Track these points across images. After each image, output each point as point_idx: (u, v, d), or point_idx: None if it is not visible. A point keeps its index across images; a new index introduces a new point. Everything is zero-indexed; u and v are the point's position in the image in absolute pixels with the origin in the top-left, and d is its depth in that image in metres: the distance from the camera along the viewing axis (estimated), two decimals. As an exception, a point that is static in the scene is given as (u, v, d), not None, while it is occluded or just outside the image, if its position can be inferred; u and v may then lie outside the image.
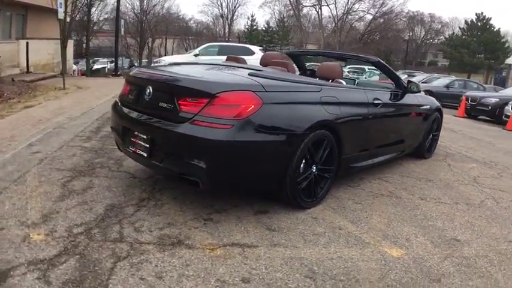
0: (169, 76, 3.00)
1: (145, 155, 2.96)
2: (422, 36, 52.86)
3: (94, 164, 3.93)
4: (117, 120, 3.38)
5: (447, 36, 46.50)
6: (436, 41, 52.99)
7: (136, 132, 3.06)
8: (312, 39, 50.29)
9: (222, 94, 2.64)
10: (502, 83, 29.45)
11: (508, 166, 5.52)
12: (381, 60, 4.35)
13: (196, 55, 13.78)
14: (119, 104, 3.40)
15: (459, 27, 41.94)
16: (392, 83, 4.66)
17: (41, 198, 3.05)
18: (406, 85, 4.53)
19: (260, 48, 15.33)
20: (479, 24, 37.95)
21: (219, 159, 2.65)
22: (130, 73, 3.47)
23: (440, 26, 50.80)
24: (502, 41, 37.28)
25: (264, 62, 4.29)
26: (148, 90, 2.99)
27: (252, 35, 46.52)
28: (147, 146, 2.94)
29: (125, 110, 3.25)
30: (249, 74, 3.04)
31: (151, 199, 3.17)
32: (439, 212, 3.49)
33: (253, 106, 2.67)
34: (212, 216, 2.95)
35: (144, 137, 2.97)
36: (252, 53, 13.85)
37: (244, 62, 4.12)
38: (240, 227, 2.81)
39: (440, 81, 17.66)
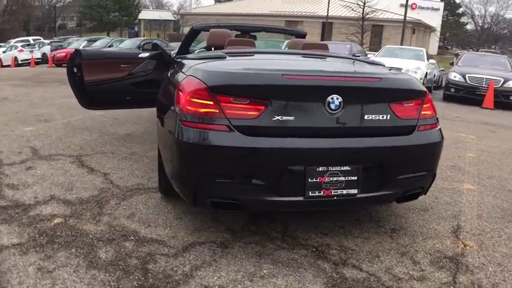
0: (375, 77, 2.36)
1: (354, 191, 2.21)
2: (50, 0, 50.70)
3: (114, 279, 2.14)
4: (255, 161, 2.11)
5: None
6: (61, 4, 51.85)
7: (321, 168, 2.15)
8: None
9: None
10: (136, 36, 33.73)
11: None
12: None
13: None
14: (239, 133, 2.07)
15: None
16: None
17: None
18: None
19: None
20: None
21: (438, 161, 2.54)
22: (261, 82, 2.16)
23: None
24: (133, -2, 40.21)
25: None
26: (336, 102, 2.15)
27: None
28: (354, 178, 2.20)
29: (268, 140, 2.09)
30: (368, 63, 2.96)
31: (281, 246, 2.33)
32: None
33: None
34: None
35: (346, 168, 2.19)
36: None
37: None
38: (398, 231, 2.69)
39: (127, 43, 18.45)
